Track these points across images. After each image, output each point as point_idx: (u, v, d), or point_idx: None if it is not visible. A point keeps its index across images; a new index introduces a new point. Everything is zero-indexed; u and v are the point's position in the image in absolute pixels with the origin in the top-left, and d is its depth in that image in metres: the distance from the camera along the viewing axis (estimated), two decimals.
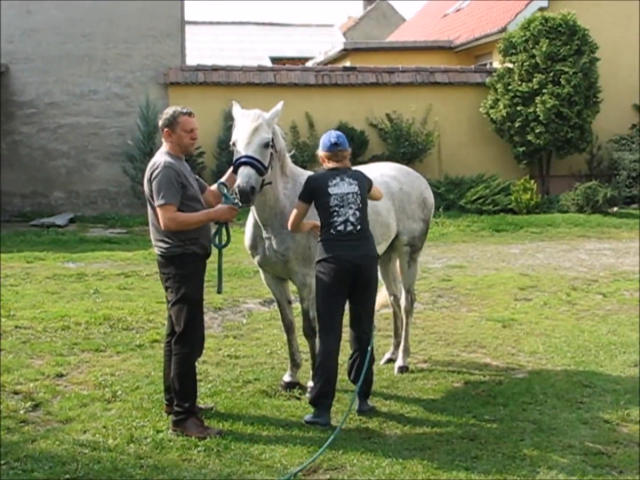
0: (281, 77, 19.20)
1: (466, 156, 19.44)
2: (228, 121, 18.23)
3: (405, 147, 18.66)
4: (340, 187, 6.12)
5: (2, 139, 18.34)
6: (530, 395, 6.58)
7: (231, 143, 6.11)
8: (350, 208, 6.09)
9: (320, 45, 30.09)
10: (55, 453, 5.37)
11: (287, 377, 6.82)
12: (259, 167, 5.86)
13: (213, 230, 6.05)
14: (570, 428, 5.87)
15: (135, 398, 6.44)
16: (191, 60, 20.90)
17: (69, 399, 6.43)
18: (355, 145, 18.73)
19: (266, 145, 5.98)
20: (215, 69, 19.16)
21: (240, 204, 5.86)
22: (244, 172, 5.78)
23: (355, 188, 6.13)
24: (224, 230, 6.04)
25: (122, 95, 18.75)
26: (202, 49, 27.30)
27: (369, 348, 6.13)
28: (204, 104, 18.17)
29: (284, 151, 6.41)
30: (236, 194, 5.79)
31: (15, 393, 6.55)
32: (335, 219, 6.08)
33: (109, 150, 18.67)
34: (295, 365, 6.85)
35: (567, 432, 5.80)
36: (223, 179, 6.12)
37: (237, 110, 6.23)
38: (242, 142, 5.94)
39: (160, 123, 5.92)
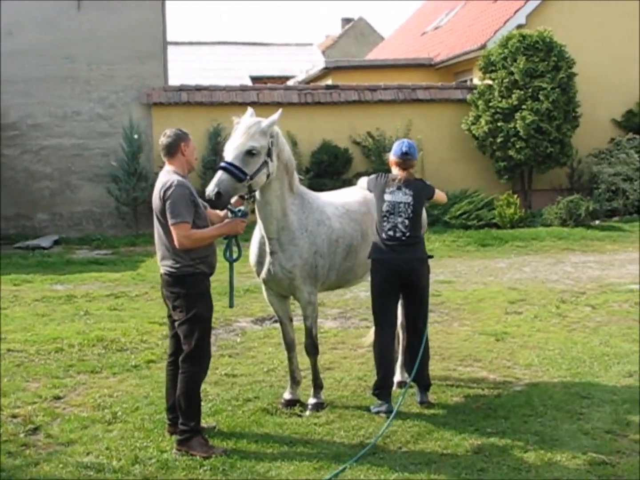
0: (264, 96, 19.22)
1: (449, 172, 19.52)
2: (212, 141, 18.30)
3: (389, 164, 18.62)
4: (395, 196, 6.60)
5: None
6: (530, 407, 6.61)
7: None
8: (400, 216, 6.56)
9: (300, 64, 30.19)
10: (60, 476, 5.34)
11: (287, 395, 6.81)
12: (236, 173, 5.81)
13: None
14: (572, 439, 5.91)
15: (136, 419, 6.42)
16: (174, 80, 20.89)
17: (68, 421, 6.40)
18: (339, 163, 18.84)
19: (250, 153, 5.92)
20: (198, 88, 19.18)
21: (247, 215, 5.93)
22: (215, 177, 5.80)
23: (409, 199, 6.59)
24: (233, 245, 6.09)
25: (105, 116, 18.72)
26: (184, 69, 27.28)
27: (424, 338, 6.67)
28: (187, 123, 18.03)
29: (291, 163, 6.42)
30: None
31: (14, 417, 6.51)
32: (385, 224, 6.58)
33: (93, 172, 18.62)
34: (295, 382, 6.83)
35: (569, 443, 5.84)
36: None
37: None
38: (227, 149, 6.01)
39: (169, 141, 5.83)
